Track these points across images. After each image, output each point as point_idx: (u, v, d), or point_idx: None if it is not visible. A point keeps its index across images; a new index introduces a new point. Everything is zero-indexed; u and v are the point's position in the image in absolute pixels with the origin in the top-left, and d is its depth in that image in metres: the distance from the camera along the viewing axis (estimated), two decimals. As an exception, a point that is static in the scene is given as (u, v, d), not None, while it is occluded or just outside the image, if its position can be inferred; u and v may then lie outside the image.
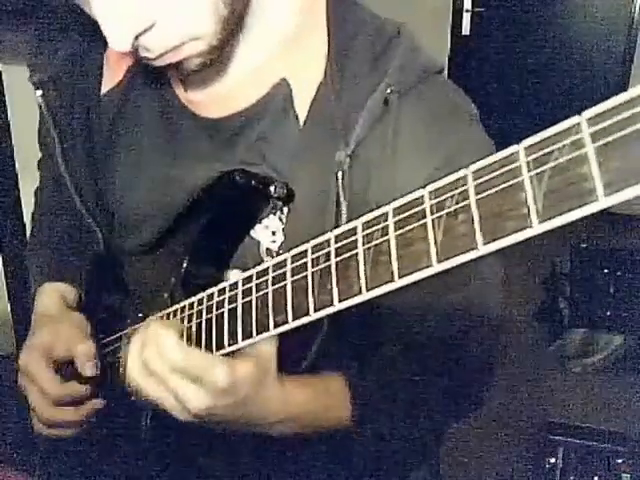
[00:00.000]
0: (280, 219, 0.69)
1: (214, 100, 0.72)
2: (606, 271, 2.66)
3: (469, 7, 3.85)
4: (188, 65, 0.65)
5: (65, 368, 0.79)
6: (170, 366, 0.57)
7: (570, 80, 3.77)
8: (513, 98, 3.90)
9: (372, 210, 0.63)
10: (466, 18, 3.86)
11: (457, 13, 3.87)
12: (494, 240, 0.35)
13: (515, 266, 2.93)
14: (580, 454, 1.92)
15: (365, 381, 0.70)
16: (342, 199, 0.64)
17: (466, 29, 3.88)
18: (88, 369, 0.77)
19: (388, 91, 0.65)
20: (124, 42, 0.60)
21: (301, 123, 0.68)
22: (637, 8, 3.66)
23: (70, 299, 0.87)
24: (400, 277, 0.41)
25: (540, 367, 2.55)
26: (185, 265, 0.69)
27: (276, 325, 0.52)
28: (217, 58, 0.66)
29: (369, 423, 0.70)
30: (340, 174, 0.64)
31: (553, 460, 1.92)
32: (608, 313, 2.55)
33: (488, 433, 2.15)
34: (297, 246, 0.51)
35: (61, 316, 0.83)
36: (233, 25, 0.63)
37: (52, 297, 0.86)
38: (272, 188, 0.66)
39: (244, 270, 0.58)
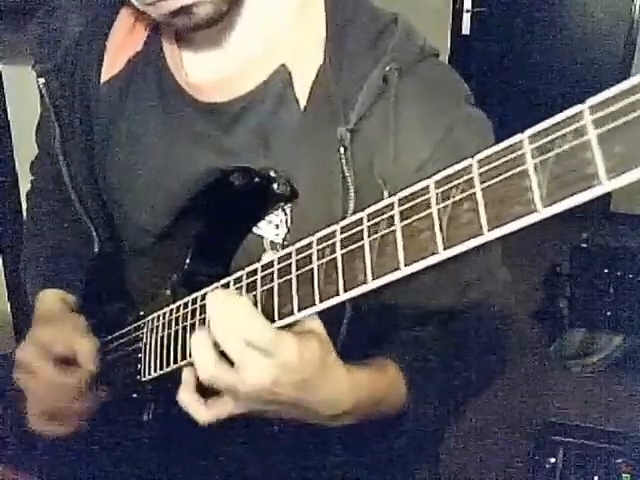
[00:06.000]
0: (283, 211, 0.69)
1: (214, 85, 0.73)
2: (606, 271, 2.66)
3: (469, 7, 3.86)
4: (198, 12, 0.64)
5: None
6: (243, 338, 0.52)
7: (570, 80, 3.76)
8: (513, 98, 3.90)
9: (379, 185, 0.64)
10: (466, 18, 3.86)
11: (457, 13, 3.87)
12: (499, 226, 0.35)
13: (515, 266, 2.92)
14: (580, 454, 1.92)
15: (415, 365, 0.68)
16: (348, 175, 0.65)
17: (466, 29, 3.88)
18: (89, 363, 0.76)
19: (387, 69, 0.66)
20: None
21: (302, 107, 0.69)
22: (637, 8, 3.67)
23: (70, 302, 0.87)
24: (406, 265, 0.41)
25: (540, 367, 2.55)
26: (187, 261, 0.69)
27: (281, 316, 0.52)
28: (226, 13, 0.66)
29: (419, 407, 0.68)
30: (342, 150, 0.65)
31: (553, 460, 1.91)
32: (608, 313, 2.55)
33: (488, 433, 2.15)
34: (302, 239, 0.51)
35: (62, 316, 0.83)
36: None
37: (53, 299, 0.86)
38: (275, 186, 0.66)
39: (248, 265, 0.58)
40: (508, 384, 2.31)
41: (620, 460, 1.87)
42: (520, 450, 2.10)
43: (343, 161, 0.65)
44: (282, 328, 0.53)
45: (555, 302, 2.69)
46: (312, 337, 0.55)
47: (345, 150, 0.65)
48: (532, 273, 2.96)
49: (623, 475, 1.85)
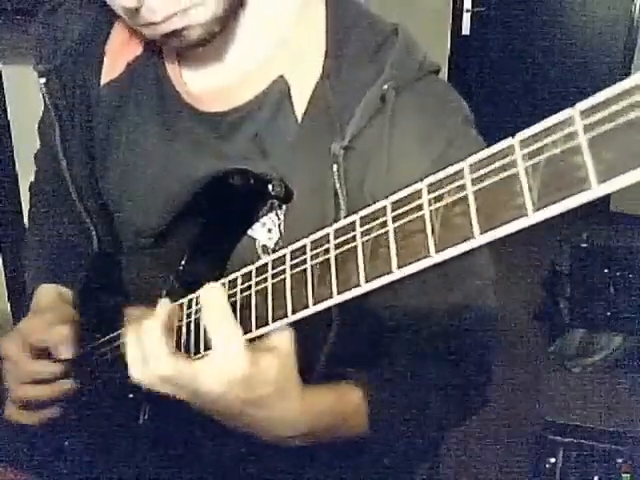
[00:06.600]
0: (277, 215, 0.69)
1: (213, 95, 0.73)
2: (606, 271, 2.66)
3: (469, 7, 3.86)
4: (190, 35, 0.65)
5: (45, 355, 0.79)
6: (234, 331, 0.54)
7: (570, 80, 3.77)
8: (513, 98, 3.90)
9: (368, 203, 0.64)
10: (466, 18, 3.87)
11: (457, 13, 3.87)
12: (490, 229, 0.35)
13: (515, 266, 2.93)
14: (580, 454, 1.92)
15: (379, 389, 0.69)
16: (339, 191, 0.65)
17: (466, 29, 3.89)
18: (61, 351, 0.76)
19: (385, 87, 0.65)
20: None
21: (299, 119, 0.69)
22: (637, 8, 3.67)
23: (66, 296, 0.88)
24: (399, 268, 0.41)
25: (540, 367, 2.55)
26: (183, 263, 0.69)
27: (275, 319, 0.52)
28: (218, 33, 0.67)
29: (384, 430, 0.68)
30: (335, 166, 0.65)
31: (553, 460, 1.91)
32: (608, 313, 2.55)
33: (488, 433, 2.15)
34: (296, 241, 0.51)
35: (51, 307, 0.84)
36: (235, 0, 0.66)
37: (49, 292, 0.87)
38: (270, 187, 0.66)
39: (240, 267, 0.58)
40: (508, 384, 2.31)
41: (620, 460, 1.87)
42: (520, 450, 2.10)
43: (335, 177, 0.65)
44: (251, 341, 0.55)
45: (555, 302, 2.69)
46: (271, 356, 0.55)
47: (338, 167, 0.65)
48: (532, 273, 2.96)
49: (623, 475, 1.85)
